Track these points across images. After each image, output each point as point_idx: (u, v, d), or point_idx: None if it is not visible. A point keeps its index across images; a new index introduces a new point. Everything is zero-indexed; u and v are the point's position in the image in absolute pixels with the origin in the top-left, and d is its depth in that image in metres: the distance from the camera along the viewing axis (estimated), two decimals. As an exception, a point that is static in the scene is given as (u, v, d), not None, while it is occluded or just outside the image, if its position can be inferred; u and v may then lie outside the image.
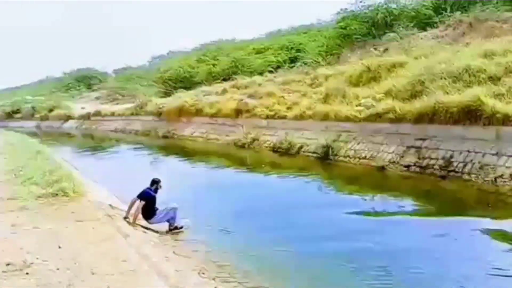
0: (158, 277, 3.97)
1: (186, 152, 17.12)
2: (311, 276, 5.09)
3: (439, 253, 5.49)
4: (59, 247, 4.72)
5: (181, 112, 22.70)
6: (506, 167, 8.01)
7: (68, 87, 48.14)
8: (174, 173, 12.58)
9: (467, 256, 5.45)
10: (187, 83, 28.21)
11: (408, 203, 7.95)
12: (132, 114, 28.39)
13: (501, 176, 7.96)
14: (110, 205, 7.42)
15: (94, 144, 24.81)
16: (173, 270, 4.50)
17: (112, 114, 31.47)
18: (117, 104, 34.86)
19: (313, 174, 10.99)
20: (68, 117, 36.60)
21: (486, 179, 8.11)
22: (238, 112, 18.30)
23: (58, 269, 4.10)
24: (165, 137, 22.58)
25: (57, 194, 7.02)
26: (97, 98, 40.79)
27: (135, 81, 38.34)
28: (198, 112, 21.36)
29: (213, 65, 28.38)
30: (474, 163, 8.59)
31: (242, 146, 16.08)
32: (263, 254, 5.74)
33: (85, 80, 48.41)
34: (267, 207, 7.92)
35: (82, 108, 36.72)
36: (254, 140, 15.85)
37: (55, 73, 55.93)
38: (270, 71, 22.41)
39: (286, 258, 5.64)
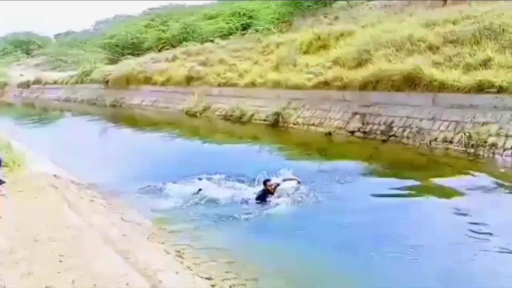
0: (104, 242, 3.98)
1: (135, 122, 16.69)
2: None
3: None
4: (-1, 217, 4.57)
5: (129, 80, 21.79)
6: (440, 131, 8.62)
7: (3, 53, 44.55)
8: (123, 144, 12.30)
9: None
10: (135, 49, 26.97)
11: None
12: (76, 82, 26.83)
13: (435, 139, 8.58)
14: (54, 175, 7.18)
15: (36, 113, 23.42)
16: (120, 235, 4.51)
17: (55, 82, 29.57)
18: (59, 71, 32.84)
19: (263, 140, 11.22)
20: (5, 85, 34.07)
21: (422, 142, 8.70)
22: (189, 80, 17.95)
23: (-3, 238, 3.99)
24: (113, 106, 21.75)
25: (-6, 165, 6.65)
26: (37, 65, 38.20)
27: (79, 46, 36.10)
28: (148, 80, 20.65)
29: (163, 31, 27.28)
30: (412, 128, 9.15)
31: (194, 115, 15.91)
32: (216, 216, 5.86)
33: (23, 45, 45.02)
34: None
35: (21, 75, 34.28)
36: (205, 108, 15.71)
37: (-12, 38, 51.36)
38: (222, 38, 21.97)
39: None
